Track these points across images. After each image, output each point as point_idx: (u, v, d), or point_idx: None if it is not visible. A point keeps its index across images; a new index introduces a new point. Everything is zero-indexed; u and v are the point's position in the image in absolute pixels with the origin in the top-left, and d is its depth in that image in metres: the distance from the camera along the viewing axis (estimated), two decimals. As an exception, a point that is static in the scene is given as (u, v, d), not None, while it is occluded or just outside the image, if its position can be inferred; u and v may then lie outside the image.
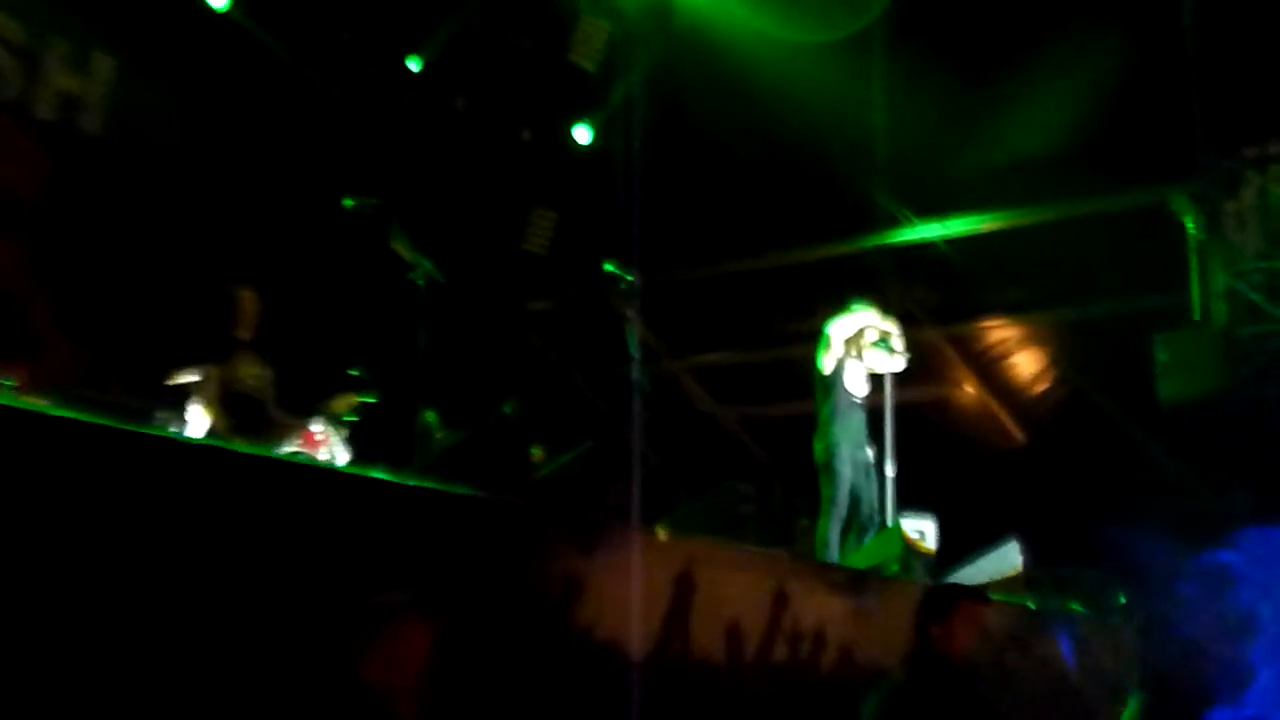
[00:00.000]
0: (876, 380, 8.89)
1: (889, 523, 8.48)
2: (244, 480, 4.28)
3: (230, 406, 7.12)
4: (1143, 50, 10.16)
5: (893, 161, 11.35)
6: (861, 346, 8.72)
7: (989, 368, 13.03)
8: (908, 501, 8.86)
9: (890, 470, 8.70)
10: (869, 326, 8.74)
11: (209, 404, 7.00)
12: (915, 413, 11.31)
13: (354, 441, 7.94)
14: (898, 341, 8.92)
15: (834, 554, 8.17)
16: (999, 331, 12.87)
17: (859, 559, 7.95)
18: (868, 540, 8.23)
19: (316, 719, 3.79)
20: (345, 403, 7.78)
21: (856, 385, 8.64)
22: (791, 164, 11.55)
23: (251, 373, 7.29)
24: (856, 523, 8.41)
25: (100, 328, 7.94)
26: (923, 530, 8.76)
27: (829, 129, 11.06)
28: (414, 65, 10.80)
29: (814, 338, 8.87)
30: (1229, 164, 10.47)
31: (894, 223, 11.85)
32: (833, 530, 8.24)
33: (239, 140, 9.54)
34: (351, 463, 7.65)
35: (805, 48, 10.75)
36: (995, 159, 10.92)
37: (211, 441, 6.12)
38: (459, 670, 4.48)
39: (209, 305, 7.29)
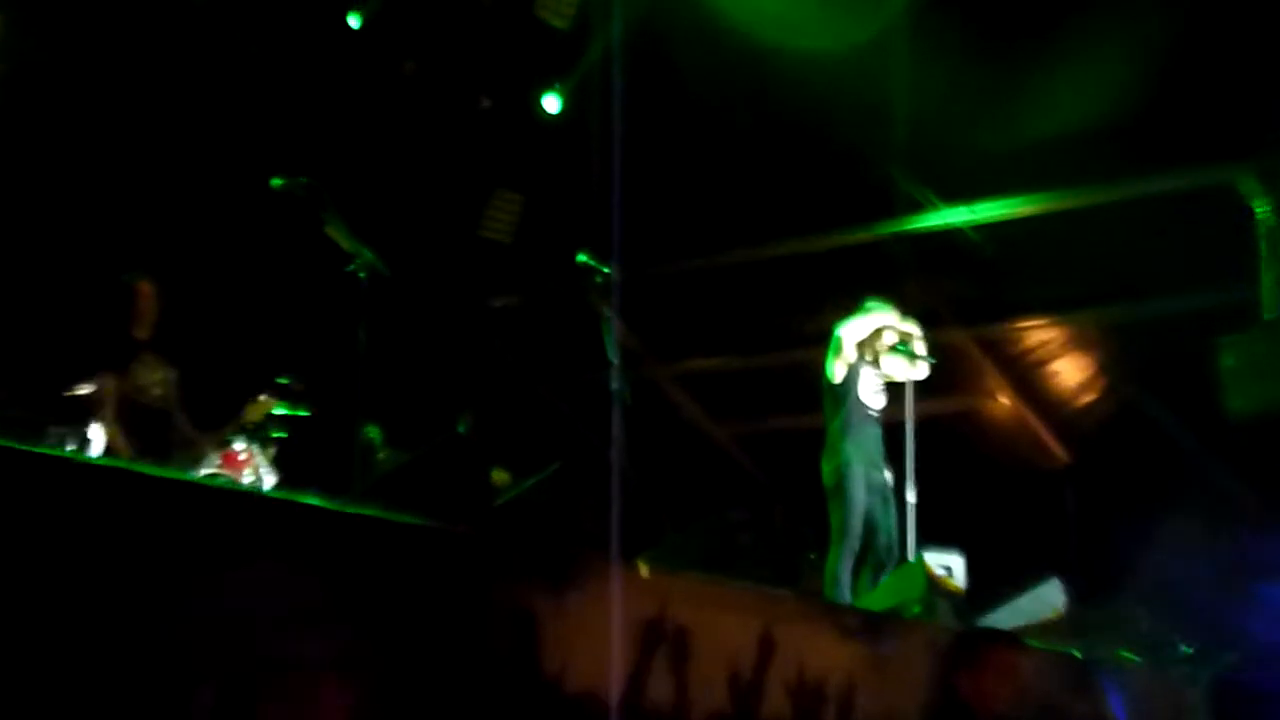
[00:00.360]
0: (895, 390, 8.91)
1: (910, 557, 8.50)
2: (152, 506, 4.26)
3: (132, 420, 7.09)
4: (1205, 6, 10.20)
5: (914, 136, 11.36)
6: (878, 351, 8.75)
7: (1026, 375, 13.07)
8: (932, 532, 8.88)
9: (911, 495, 8.73)
10: (886, 328, 8.77)
11: (107, 418, 6.97)
12: (940, 428, 11.34)
13: (282, 462, 7.92)
14: (920, 345, 8.95)
15: (846, 593, 8.19)
16: (1038, 333, 12.92)
17: (875, 599, 7.97)
18: (885, 577, 8.25)
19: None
20: (260, 409, 7.74)
21: (872, 396, 8.66)
22: (796, 139, 11.57)
23: (155, 379, 7.26)
24: (872, 557, 8.43)
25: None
26: (949, 565, 8.78)
27: (840, 97, 11.07)
28: (354, 21, 10.79)
29: (822, 341, 8.89)
30: (1304, 137, 10.53)
31: (915, 207, 11.88)
32: (844, 565, 8.26)
33: (143, 106, 9.51)
34: (279, 486, 7.62)
35: (814, 3, 10.78)
36: (1033, 133, 10.92)
37: (114, 462, 6.10)
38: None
39: (102, 300, 7.26)
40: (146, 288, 7.34)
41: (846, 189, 11.82)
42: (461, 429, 10.54)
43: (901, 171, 11.69)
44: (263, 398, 7.68)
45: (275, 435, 7.93)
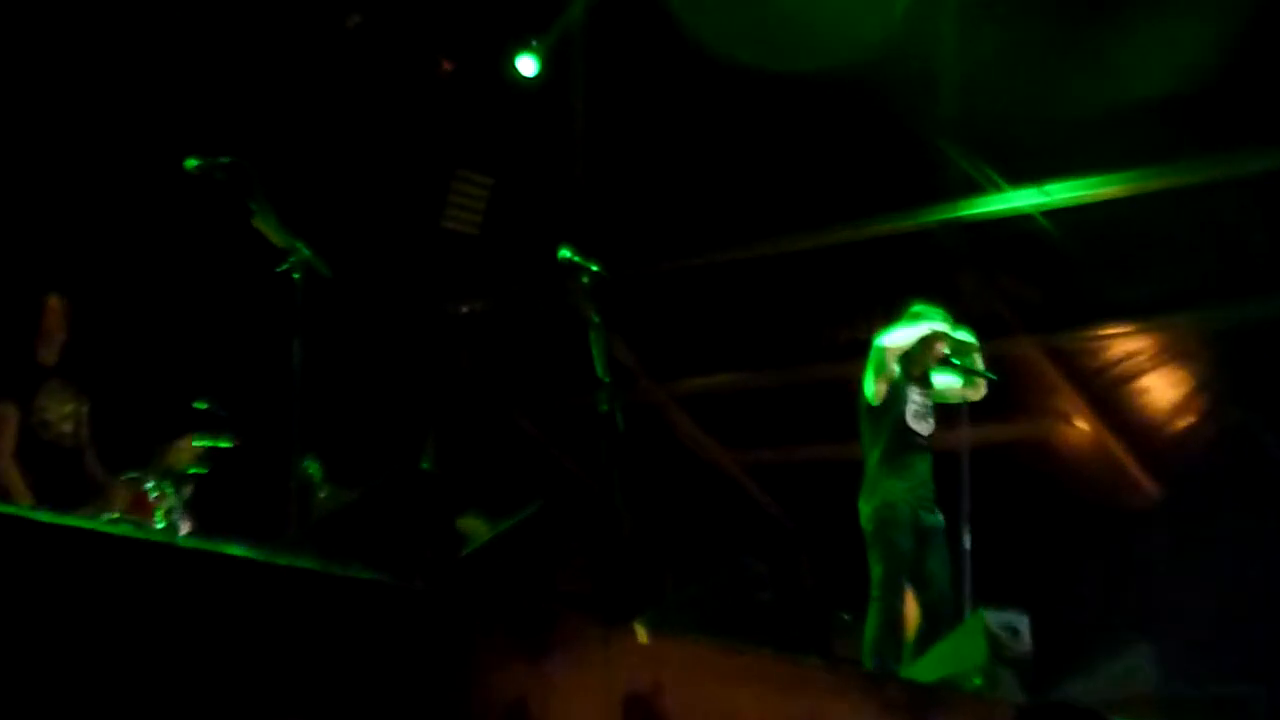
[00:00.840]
0: (948, 413, 8.95)
1: (967, 616, 8.53)
2: (45, 561, 4.30)
3: (34, 459, 7.14)
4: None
5: (971, 100, 11.38)
6: (927, 366, 8.79)
7: (1109, 394, 13.07)
8: (994, 586, 8.91)
9: (967, 541, 8.75)
10: (937, 338, 8.81)
11: (2, 455, 7.03)
12: (1004, 459, 11.33)
13: (200, 504, 7.95)
14: (978, 359, 9.00)
15: (888, 661, 8.22)
16: (1124, 342, 12.91)
17: (926, 668, 8.01)
18: (938, 642, 8.29)
19: None
20: (188, 452, 7.80)
21: (920, 421, 8.71)
22: (825, 106, 11.59)
23: (64, 411, 7.32)
24: (922, 617, 8.47)
25: None
26: (1015, 626, 8.80)
27: (880, 55, 11.09)
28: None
29: (859, 353, 8.93)
30: None
31: (973, 188, 11.90)
32: (887, 627, 8.29)
33: (30, 77, 9.56)
34: (196, 533, 7.66)
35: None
36: (1119, 97, 10.93)
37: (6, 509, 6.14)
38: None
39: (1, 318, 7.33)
40: (55, 303, 7.38)
41: (887, 166, 11.84)
42: (422, 463, 10.58)
43: (955, 144, 11.70)
44: (188, 438, 7.73)
45: (192, 471, 7.96)
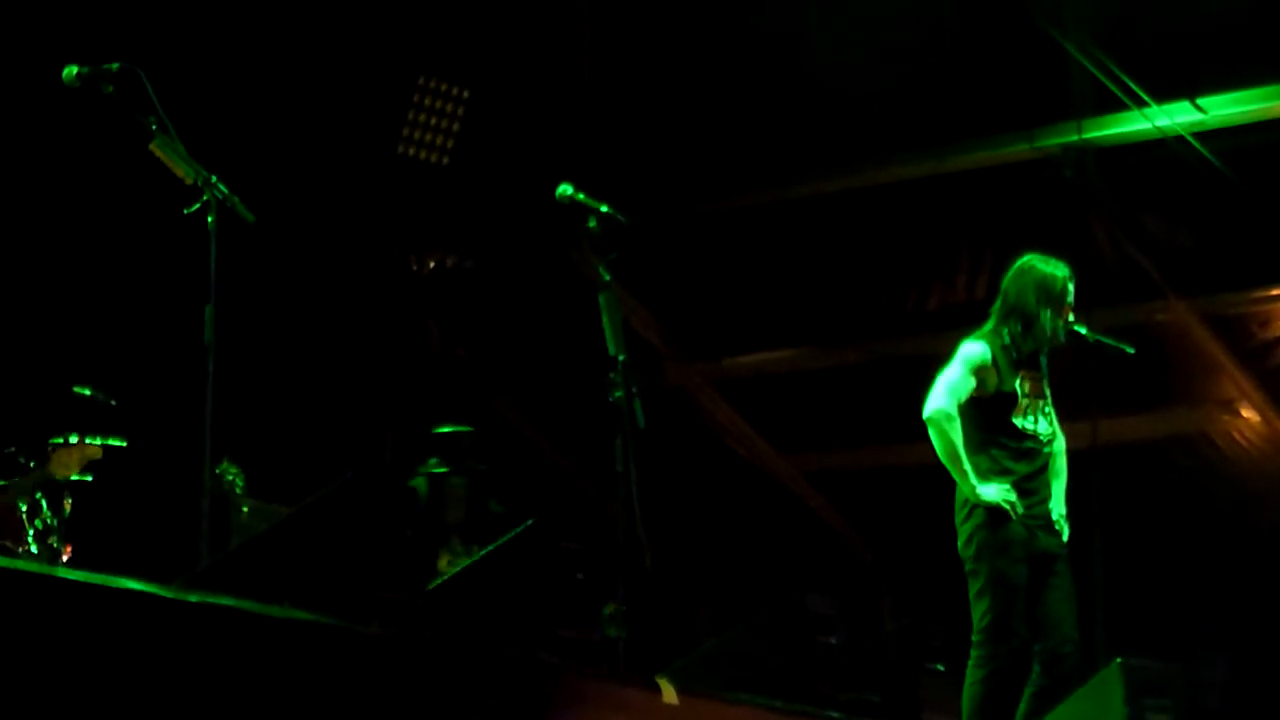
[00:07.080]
0: (1073, 399, 8.93)
1: (1099, 669, 8.54)
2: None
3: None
4: None
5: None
6: (1042, 338, 8.77)
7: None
8: (1134, 629, 8.92)
9: (1099, 569, 8.74)
10: (1057, 299, 8.78)
11: None
12: (1147, 461, 11.32)
13: (82, 523, 7.98)
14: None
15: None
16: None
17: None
18: (1060, 703, 8.30)
19: None
20: (70, 455, 7.82)
21: (1033, 410, 8.70)
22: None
23: None
24: (1041, 668, 8.48)
25: None
26: (1163, 682, 8.82)
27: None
28: None
29: (953, 323, 8.91)
30: None
31: (1107, 104, 11.90)
32: (991, 683, 8.31)
33: None
34: (76, 562, 7.68)
35: None
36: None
37: None
38: None
39: None
40: None
41: (994, 76, 11.85)
42: (375, 468, 10.61)
43: (1085, 47, 11.71)
44: (74, 442, 7.75)
45: (74, 479, 7.99)
